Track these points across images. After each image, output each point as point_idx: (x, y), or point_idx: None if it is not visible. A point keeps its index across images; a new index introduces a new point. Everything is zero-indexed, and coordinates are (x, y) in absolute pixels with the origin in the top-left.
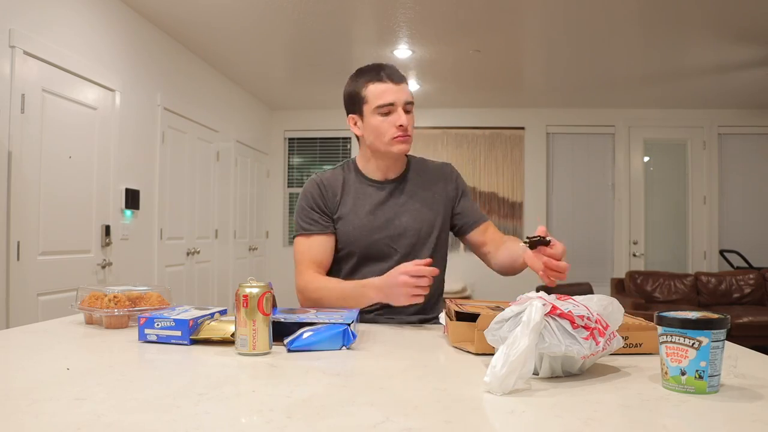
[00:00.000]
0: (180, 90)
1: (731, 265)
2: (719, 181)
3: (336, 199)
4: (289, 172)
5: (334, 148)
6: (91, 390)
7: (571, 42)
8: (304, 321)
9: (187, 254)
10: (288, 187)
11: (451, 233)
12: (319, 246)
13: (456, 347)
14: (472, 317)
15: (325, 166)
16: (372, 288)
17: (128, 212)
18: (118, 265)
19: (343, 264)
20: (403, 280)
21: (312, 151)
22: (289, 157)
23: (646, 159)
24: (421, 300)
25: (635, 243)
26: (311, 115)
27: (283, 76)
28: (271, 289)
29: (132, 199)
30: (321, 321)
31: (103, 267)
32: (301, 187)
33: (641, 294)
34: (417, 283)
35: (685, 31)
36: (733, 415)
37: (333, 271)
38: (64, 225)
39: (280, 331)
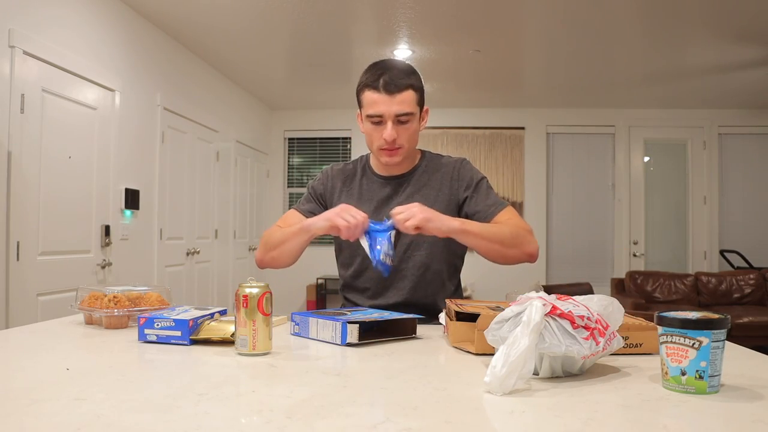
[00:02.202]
0: (180, 90)
1: (731, 265)
2: (719, 181)
3: (335, 192)
4: (289, 172)
5: (334, 148)
6: (91, 390)
7: (571, 42)
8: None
9: (187, 254)
10: (288, 187)
11: None
12: (299, 220)
13: (456, 347)
14: (472, 317)
15: (324, 167)
16: (312, 219)
17: (128, 212)
18: (117, 265)
19: (349, 267)
20: (337, 210)
21: (312, 151)
22: (289, 157)
23: (646, 159)
24: (344, 227)
25: (635, 243)
26: (311, 115)
27: (283, 76)
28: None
29: (132, 199)
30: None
31: (103, 267)
32: (301, 187)
33: (641, 294)
34: (346, 216)
35: (685, 31)
36: (733, 415)
37: (341, 276)
38: (64, 225)
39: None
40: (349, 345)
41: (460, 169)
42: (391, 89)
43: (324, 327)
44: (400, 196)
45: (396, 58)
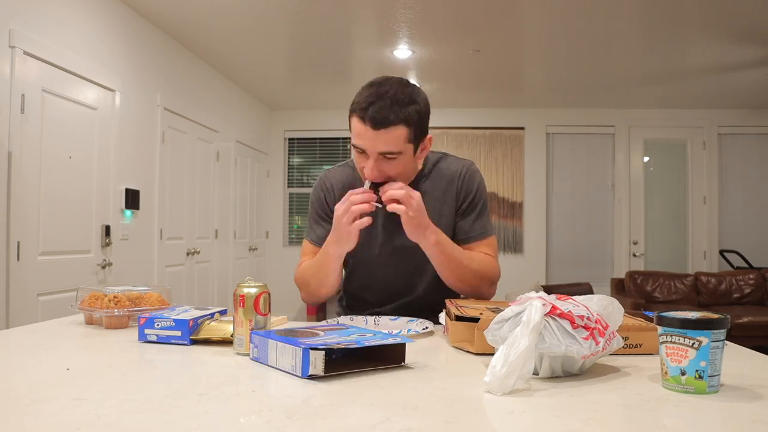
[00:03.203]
0: (180, 90)
1: (731, 265)
2: (719, 181)
3: (331, 207)
4: (289, 172)
5: (334, 148)
6: (91, 390)
7: (571, 42)
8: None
9: (187, 254)
10: (288, 187)
11: None
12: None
13: (456, 347)
14: (472, 320)
15: (325, 167)
16: (329, 243)
17: (128, 212)
18: (118, 265)
19: (347, 276)
20: (338, 215)
21: (312, 151)
22: (289, 157)
23: (646, 159)
24: (366, 222)
25: (635, 243)
26: (311, 115)
27: (283, 76)
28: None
29: (132, 199)
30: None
31: (103, 267)
32: (301, 187)
33: (641, 294)
34: (352, 205)
35: (685, 31)
36: (733, 415)
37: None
38: (64, 225)
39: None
40: (312, 378)
41: (466, 178)
42: (378, 124)
43: (283, 353)
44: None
45: (399, 79)
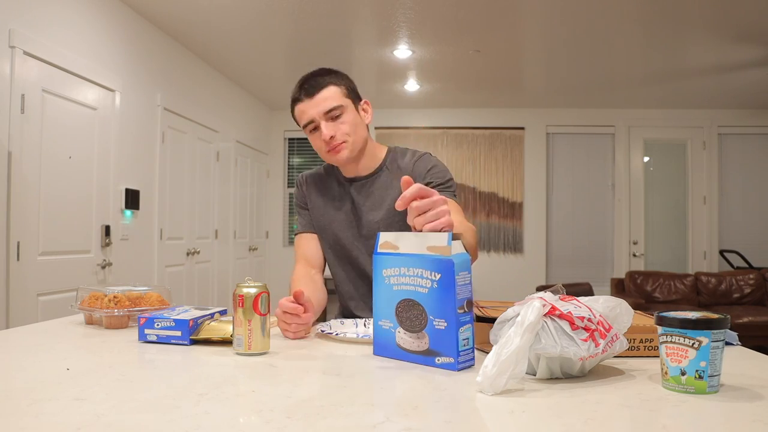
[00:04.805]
0: (180, 90)
1: (731, 265)
2: (719, 181)
3: (306, 197)
4: (289, 172)
5: None
6: (91, 390)
7: (571, 42)
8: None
9: (187, 254)
10: (288, 187)
11: None
12: (306, 244)
13: (477, 349)
14: (493, 321)
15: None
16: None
17: (128, 212)
18: (118, 266)
19: (327, 259)
20: (277, 312)
21: (312, 151)
22: (289, 157)
23: (646, 159)
24: (289, 336)
25: (635, 243)
26: None
27: (283, 76)
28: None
29: (132, 199)
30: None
31: (103, 267)
32: None
33: (641, 294)
34: (284, 318)
35: (685, 31)
36: (733, 415)
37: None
38: (64, 225)
39: None
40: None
41: (416, 163)
42: (311, 91)
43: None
44: (366, 198)
45: (321, 67)
